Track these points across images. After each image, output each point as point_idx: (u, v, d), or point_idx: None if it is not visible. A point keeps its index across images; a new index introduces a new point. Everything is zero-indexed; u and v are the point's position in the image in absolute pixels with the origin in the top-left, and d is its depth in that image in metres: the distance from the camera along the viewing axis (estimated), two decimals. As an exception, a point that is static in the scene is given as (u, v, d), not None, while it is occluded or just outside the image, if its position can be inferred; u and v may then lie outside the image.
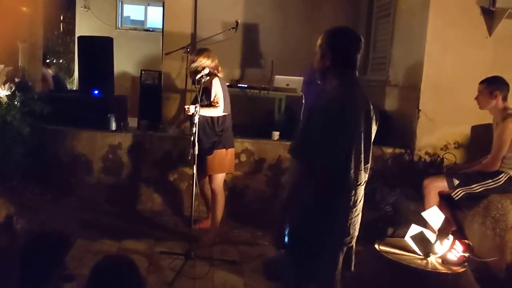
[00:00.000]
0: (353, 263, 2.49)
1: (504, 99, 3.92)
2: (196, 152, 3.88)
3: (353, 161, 2.29)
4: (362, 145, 2.32)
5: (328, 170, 2.28)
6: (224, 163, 4.32)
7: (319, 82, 2.46)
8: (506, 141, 3.76)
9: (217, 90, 4.21)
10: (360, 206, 2.42)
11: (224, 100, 4.23)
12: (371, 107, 2.38)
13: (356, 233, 2.45)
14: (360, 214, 2.45)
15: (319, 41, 2.40)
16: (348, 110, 2.28)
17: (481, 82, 4.00)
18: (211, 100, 4.20)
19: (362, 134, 2.30)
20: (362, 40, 2.39)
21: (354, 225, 2.41)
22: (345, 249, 2.43)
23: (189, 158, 3.96)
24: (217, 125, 4.25)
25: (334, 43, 2.36)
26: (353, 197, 2.35)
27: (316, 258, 2.37)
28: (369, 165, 2.42)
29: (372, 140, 2.41)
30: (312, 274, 2.40)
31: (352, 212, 2.36)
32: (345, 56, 2.35)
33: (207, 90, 4.21)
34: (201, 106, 4.03)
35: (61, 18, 14.90)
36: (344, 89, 2.32)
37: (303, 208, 2.31)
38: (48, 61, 8.17)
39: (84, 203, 5.04)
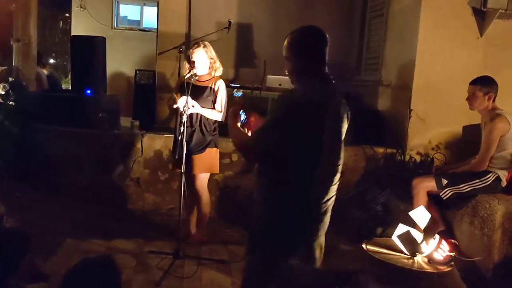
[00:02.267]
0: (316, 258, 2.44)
1: (494, 99, 3.91)
2: (185, 152, 3.87)
3: (312, 163, 2.27)
4: (330, 141, 2.31)
5: (283, 166, 2.30)
6: (214, 162, 4.28)
7: (292, 82, 2.46)
8: (494, 141, 3.75)
9: (223, 96, 4.19)
10: (330, 204, 2.40)
11: (225, 108, 4.19)
12: (343, 104, 2.39)
13: (321, 232, 2.43)
14: (329, 214, 2.42)
15: (287, 42, 2.39)
16: (305, 105, 2.26)
17: (473, 83, 3.91)
18: (217, 105, 4.16)
19: (327, 130, 2.29)
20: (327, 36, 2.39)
21: (319, 223, 2.38)
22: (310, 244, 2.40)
23: (176, 157, 3.95)
24: (212, 124, 4.23)
25: (310, 42, 2.37)
26: (316, 194, 2.33)
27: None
28: (340, 163, 2.41)
29: (342, 138, 2.41)
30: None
31: (316, 209, 2.34)
32: (315, 53, 2.36)
33: (212, 91, 4.17)
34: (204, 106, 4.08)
35: (59, 18, 14.97)
36: (314, 85, 2.34)
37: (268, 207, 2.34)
38: (43, 60, 8.19)
39: (75, 203, 5.01)
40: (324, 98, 2.31)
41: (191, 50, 4.13)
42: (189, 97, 3.90)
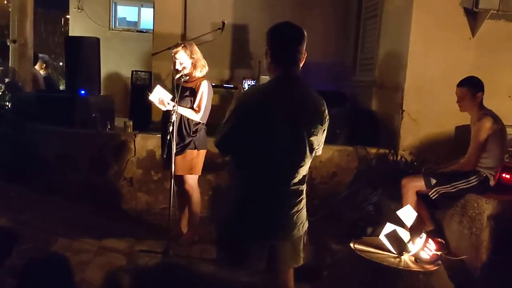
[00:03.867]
0: (248, 262, 2.44)
1: (482, 99, 3.92)
2: (174, 151, 3.90)
3: (260, 157, 2.31)
4: (280, 140, 2.31)
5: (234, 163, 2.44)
6: (195, 164, 4.21)
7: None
8: (482, 141, 3.77)
9: (203, 95, 4.12)
10: (280, 206, 2.39)
11: (205, 109, 4.14)
12: (312, 107, 2.37)
13: (279, 233, 2.43)
14: (287, 215, 2.41)
15: None
16: (250, 105, 2.32)
17: (461, 85, 3.91)
18: (195, 104, 4.11)
19: (279, 132, 2.30)
20: (300, 34, 2.35)
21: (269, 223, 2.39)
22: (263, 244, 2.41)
23: (164, 156, 3.97)
24: (192, 125, 4.16)
25: (269, 40, 2.38)
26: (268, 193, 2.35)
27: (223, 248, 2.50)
28: (302, 165, 2.38)
29: (307, 141, 2.35)
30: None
31: (263, 209, 2.37)
32: (278, 52, 2.36)
33: (193, 91, 4.15)
34: (182, 106, 4.05)
35: (59, 19, 15.05)
36: (265, 84, 2.40)
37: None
38: (47, 61, 8.23)
39: (68, 202, 5.05)
40: (272, 98, 2.31)
41: (173, 50, 4.13)
42: (166, 92, 3.98)
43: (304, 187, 2.46)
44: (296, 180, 2.39)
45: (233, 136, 2.33)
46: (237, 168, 2.43)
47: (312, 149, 2.39)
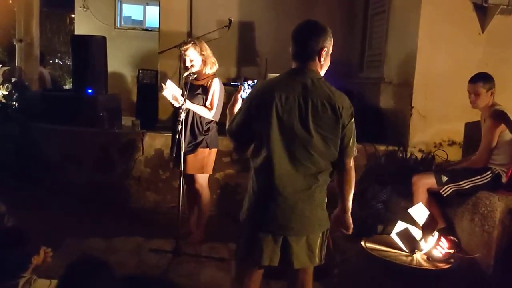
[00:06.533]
0: (262, 254, 2.39)
1: (494, 95, 3.87)
2: (183, 150, 3.88)
3: (266, 146, 2.31)
4: (283, 133, 2.30)
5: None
6: (206, 163, 4.17)
7: None
8: (494, 138, 3.71)
9: (215, 93, 4.09)
10: (289, 197, 2.34)
11: (217, 106, 4.11)
12: (320, 101, 2.30)
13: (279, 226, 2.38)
14: (292, 208, 2.36)
15: None
16: (256, 94, 2.37)
17: (475, 81, 3.82)
18: (207, 102, 4.08)
19: (281, 122, 2.29)
20: (312, 29, 2.35)
21: (273, 215, 2.36)
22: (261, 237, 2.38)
23: (173, 155, 3.94)
24: (204, 124, 4.13)
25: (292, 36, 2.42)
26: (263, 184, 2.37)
27: (239, 240, 2.51)
28: (310, 159, 2.32)
29: (316, 134, 2.30)
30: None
31: (267, 200, 2.36)
32: (292, 46, 2.39)
33: (204, 88, 4.13)
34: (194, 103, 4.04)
35: (65, 19, 15.05)
36: (276, 76, 2.45)
37: None
38: (51, 61, 8.26)
39: (76, 202, 5.04)
40: (274, 88, 2.31)
41: (182, 47, 4.08)
42: (177, 88, 3.98)
43: (317, 183, 2.37)
44: (306, 174, 2.34)
45: (239, 125, 2.41)
46: (251, 160, 2.45)
47: (325, 142, 2.32)
